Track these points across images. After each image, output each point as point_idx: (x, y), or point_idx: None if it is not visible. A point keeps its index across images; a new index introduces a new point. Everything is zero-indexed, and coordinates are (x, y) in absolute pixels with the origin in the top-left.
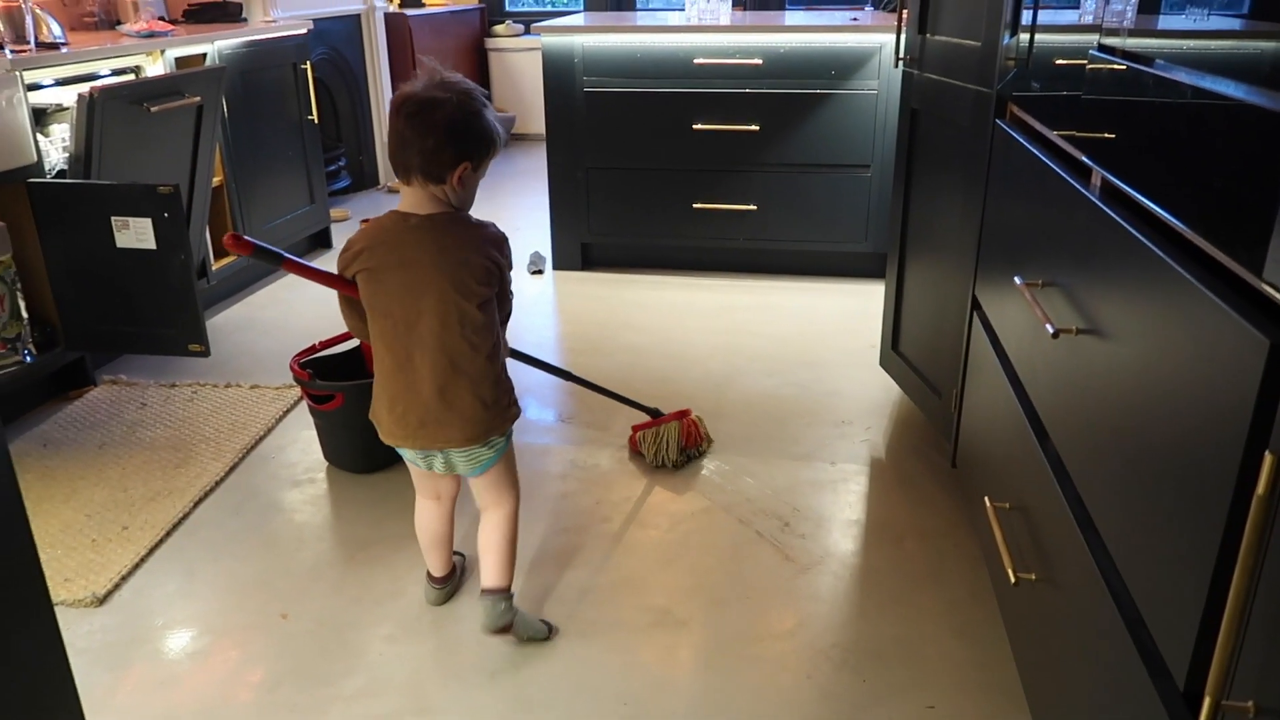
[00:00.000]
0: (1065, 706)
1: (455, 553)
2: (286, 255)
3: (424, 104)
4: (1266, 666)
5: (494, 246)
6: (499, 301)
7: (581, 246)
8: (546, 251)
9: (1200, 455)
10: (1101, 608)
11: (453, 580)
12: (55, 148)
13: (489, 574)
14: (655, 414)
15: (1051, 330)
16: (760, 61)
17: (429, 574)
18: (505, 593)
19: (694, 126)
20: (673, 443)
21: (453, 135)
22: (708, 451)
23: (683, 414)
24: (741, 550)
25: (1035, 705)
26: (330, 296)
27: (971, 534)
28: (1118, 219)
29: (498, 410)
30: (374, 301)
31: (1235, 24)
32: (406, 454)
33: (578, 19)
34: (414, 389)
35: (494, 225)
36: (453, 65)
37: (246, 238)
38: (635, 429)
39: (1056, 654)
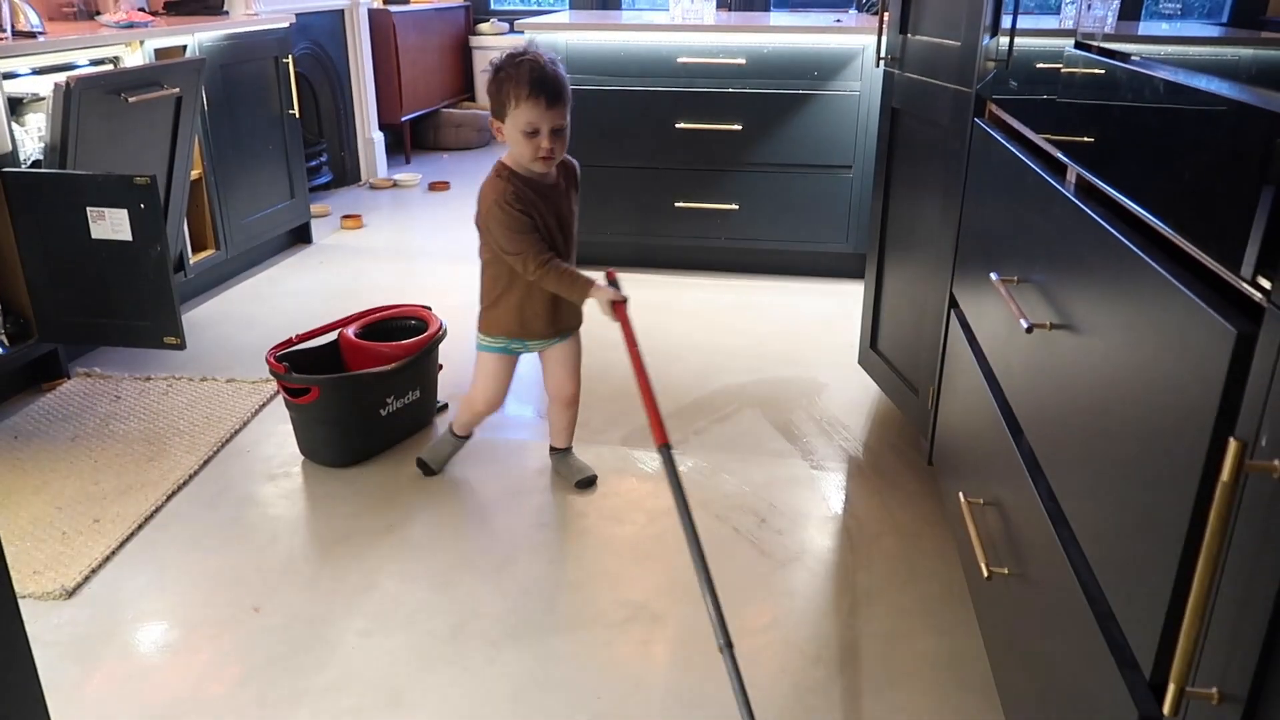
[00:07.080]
0: (1035, 699)
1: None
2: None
3: None
4: (1230, 653)
5: (480, 197)
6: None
7: None
8: None
9: (1169, 446)
10: (1072, 601)
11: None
12: (31, 138)
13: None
14: None
15: (1026, 325)
16: (744, 61)
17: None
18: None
19: (677, 125)
20: None
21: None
22: None
23: None
24: (718, 546)
25: (1006, 698)
26: (304, 292)
27: (947, 532)
28: (1092, 214)
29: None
30: None
31: (1213, 31)
32: None
33: (562, 17)
34: None
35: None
36: (437, 62)
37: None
38: None
39: (1027, 647)
